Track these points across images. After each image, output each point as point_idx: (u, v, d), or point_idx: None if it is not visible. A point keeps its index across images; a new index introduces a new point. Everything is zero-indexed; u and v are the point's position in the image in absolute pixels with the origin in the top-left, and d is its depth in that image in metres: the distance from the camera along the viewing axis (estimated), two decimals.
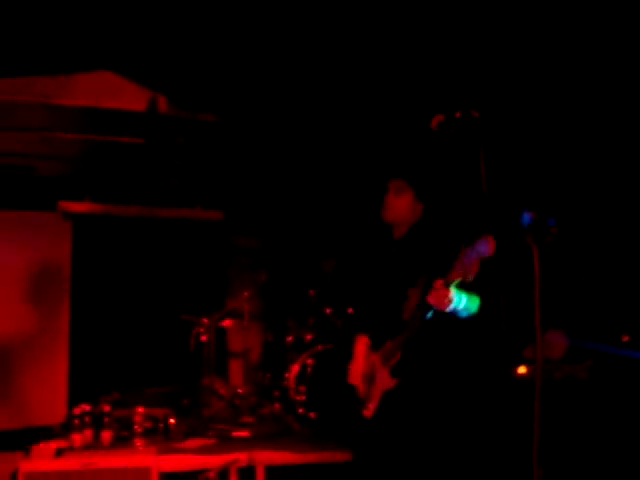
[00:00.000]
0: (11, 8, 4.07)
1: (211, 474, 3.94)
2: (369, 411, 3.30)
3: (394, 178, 3.42)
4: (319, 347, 5.12)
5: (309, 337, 5.35)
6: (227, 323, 5.42)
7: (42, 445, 4.04)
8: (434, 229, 3.33)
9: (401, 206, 3.39)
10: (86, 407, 4.47)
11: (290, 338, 5.42)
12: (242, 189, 5.59)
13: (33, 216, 5.56)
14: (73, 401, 5.46)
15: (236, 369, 5.82)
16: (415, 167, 3.48)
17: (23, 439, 4.86)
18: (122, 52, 4.14)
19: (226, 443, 4.42)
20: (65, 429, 4.68)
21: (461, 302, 2.99)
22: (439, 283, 2.96)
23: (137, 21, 3.95)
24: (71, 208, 5.57)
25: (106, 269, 5.73)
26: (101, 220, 5.64)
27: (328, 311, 5.33)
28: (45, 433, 4.94)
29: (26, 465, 3.81)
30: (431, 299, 2.98)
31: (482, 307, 3.08)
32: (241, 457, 4.09)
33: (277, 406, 5.14)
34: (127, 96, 4.34)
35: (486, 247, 2.78)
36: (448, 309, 2.97)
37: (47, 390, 5.57)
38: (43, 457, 3.90)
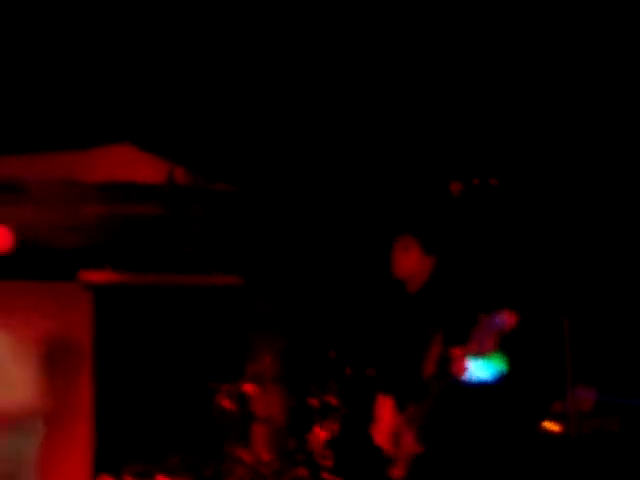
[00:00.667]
0: (27, 87, 4.18)
1: None
2: (398, 472, 3.26)
3: (400, 234, 3.41)
4: (342, 410, 5.08)
5: (332, 400, 5.30)
6: (249, 388, 5.38)
7: None
8: (448, 284, 3.31)
9: (409, 262, 3.37)
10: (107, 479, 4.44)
11: (313, 401, 5.38)
12: (261, 254, 5.63)
13: (53, 286, 5.61)
14: (96, 473, 5.41)
15: (260, 435, 5.75)
16: (420, 221, 3.47)
17: None
18: (139, 125, 4.24)
19: None
20: None
21: (480, 370, 2.97)
22: (457, 353, 2.94)
23: (154, 94, 4.06)
24: (91, 278, 5.61)
25: (128, 338, 5.73)
26: (121, 289, 5.67)
27: (349, 372, 5.29)
28: None
29: None
30: (450, 369, 2.97)
31: (508, 365, 3.06)
32: None
33: (303, 472, 5.07)
34: (145, 168, 4.43)
35: (505, 321, 2.77)
36: (467, 378, 2.95)
37: (69, 463, 5.52)
38: None
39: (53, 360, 5.60)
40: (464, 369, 2.89)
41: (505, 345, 2.92)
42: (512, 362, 3.04)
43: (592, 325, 4.07)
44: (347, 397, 5.23)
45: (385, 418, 3.38)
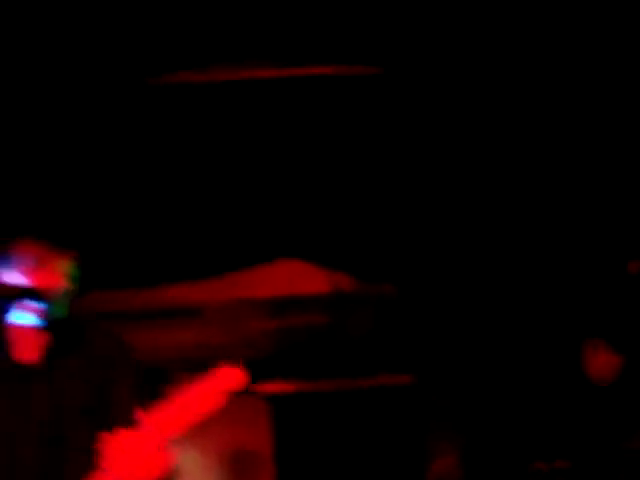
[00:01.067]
0: (194, 215, 4.46)
1: None
2: None
3: (587, 337, 3.39)
4: None
5: None
6: None
7: None
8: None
9: (599, 362, 3.33)
10: None
11: None
12: (432, 350, 5.54)
13: (231, 400, 5.76)
14: None
15: None
16: (605, 322, 3.43)
17: None
18: (302, 239, 4.38)
19: None
20: None
21: None
22: None
23: (313, 209, 4.20)
24: (265, 389, 5.73)
25: (307, 444, 5.75)
26: (295, 398, 5.75)
27: (540, 467, 5.00)
28: None
29: None
30: None
31: None
32: None
33: None
34: (310, 279, 4.54)
35: None
36: None
37: None
38: None
39: (236, 471, 5.69)
40: None
41: None
42: None
43: None
44: None
45: None
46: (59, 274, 2.30)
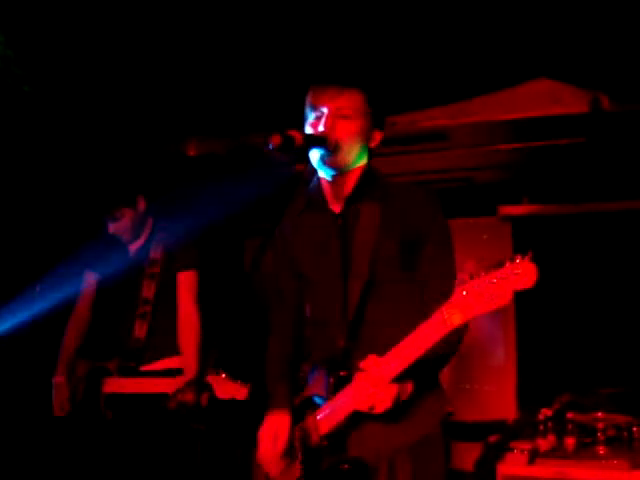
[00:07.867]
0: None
1: None
2: None
3: None
4: None
5: None
6: None
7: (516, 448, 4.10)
8: None
9: None
10: (547, 412, 4.50)
11: None
12: None
13: (474, 222, 5.84)
14: (522, 399, 5.56)
15: None
16: None
17: (478, 431, 5.14)
18: (557, 58, 4.09)
19: None
20: (518, 428, 4.79)
21: None
22: None
23: (570, 24, 3.86)
24: (509, 211, 5.68)
25: (547, 267, 5.68)
26: (539, 220, 5.65)
27: None
28: (497, 426, 5.13)
29: (503, 468, 3.99)
30: None
31: None
32: None
33: None
34: (565, 100, 4.28)
35: None
36: None
37: (497, 388, 5.75)
38: (517, 462, 4.00)
39: None
40: None
41: None
42: None
43: None
44: None
45: None
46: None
